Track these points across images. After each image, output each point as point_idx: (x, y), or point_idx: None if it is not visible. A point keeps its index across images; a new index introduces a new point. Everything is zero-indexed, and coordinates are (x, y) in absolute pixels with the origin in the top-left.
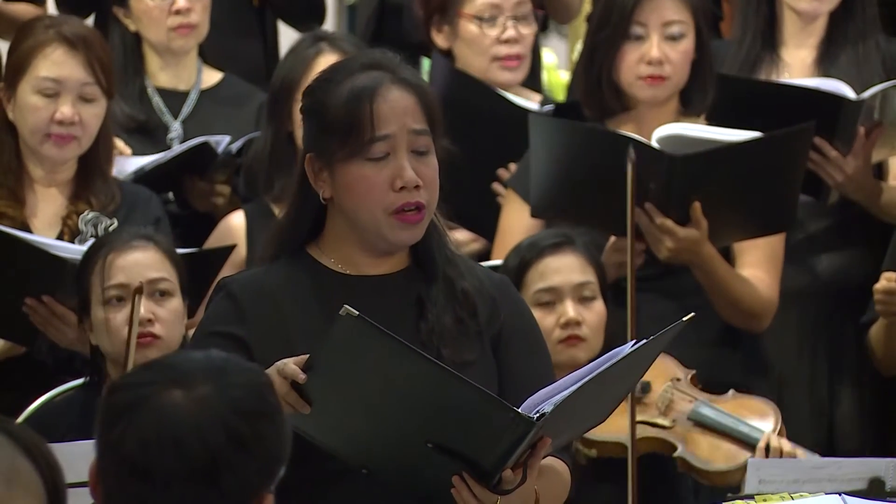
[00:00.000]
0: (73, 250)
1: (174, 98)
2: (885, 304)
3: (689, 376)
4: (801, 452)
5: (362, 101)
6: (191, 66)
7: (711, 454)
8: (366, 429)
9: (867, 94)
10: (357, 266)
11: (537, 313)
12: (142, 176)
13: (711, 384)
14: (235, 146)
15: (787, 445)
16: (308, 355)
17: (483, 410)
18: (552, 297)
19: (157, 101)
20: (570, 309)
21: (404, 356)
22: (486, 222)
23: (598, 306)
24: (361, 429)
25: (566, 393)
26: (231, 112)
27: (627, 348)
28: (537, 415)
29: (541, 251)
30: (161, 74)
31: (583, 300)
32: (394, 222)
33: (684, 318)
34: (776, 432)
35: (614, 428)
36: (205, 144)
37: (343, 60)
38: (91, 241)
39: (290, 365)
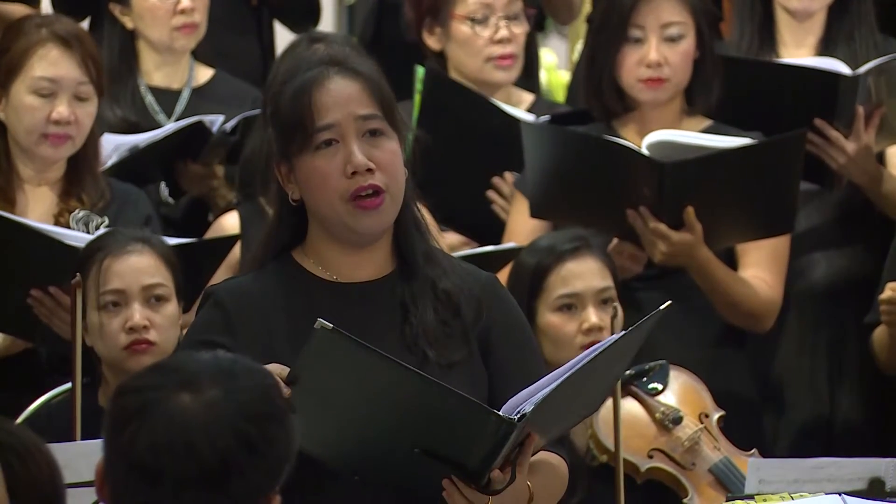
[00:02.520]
0: (82, 238)
1: (167, 97)
2: (891, 314)
3: (718, 417)
4: None
5: (303, 94)
6: (184, 64)
7: None
8: (352, 437)
9: (863, 69)
10: (339, 269)
11: (558, 318)
12: (137, 153)
13: (719, 394)
14: (230, 125)
15: None
16: (289, 369)
17: (463, 414)
18: (574, 303)
19: (149, 100)
20: (592, 315)
21: (380, 365)
22: (479, 228)
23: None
24: (348, 437)
25: (546, 391)
26: (224, 109)
27: (606, 343)
28: (518, 415)
29: (560, 256)
30: (155, 73)
31: (603, 304)
32: (353, 210)
33: (661, 307)
34: None
35: (632, 447)
36: (199, 124)
37: (292, 64)
38: (90, 238)
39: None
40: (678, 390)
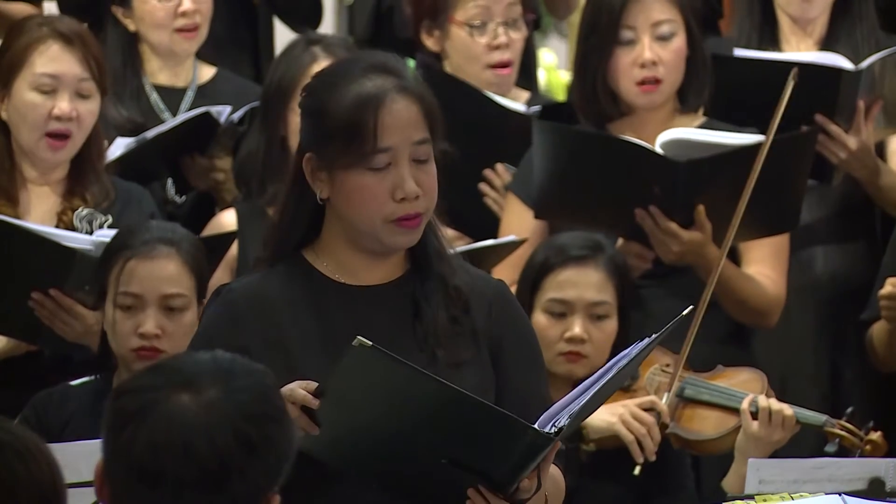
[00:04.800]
0: (82, 240)
1: (172, 95)
2: (890, 309)
3: (675, 359)
4: (788, 410)
5: (367, 110)
6: (188, 63)
7: (701, 425)
8: (378, 448)
9: (865, 64)
10: (352, 272)
11: (545, 320)
12: (144, 144)
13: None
14: (237, 115)
15: (774, 404)
16: (317, 382)
17: (499, 429)
18: (563, 309)
19: (154, 97)
20: (576, 326)
21: (417, 381)
22: (471, 222)
23: (609, 326)
24: (373, 448)
25: (581, 403)
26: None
27: (633, 351)
28: (555, 430)
29: (566, 260)
30: (159, 73)
31: (594, 318)
32: (392, 228)
33: (684, 312)
34: (764, 395)
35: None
36: (206, 115)
37: (345, 60)
38: (114, 232)
39: (299, 391)
40: None
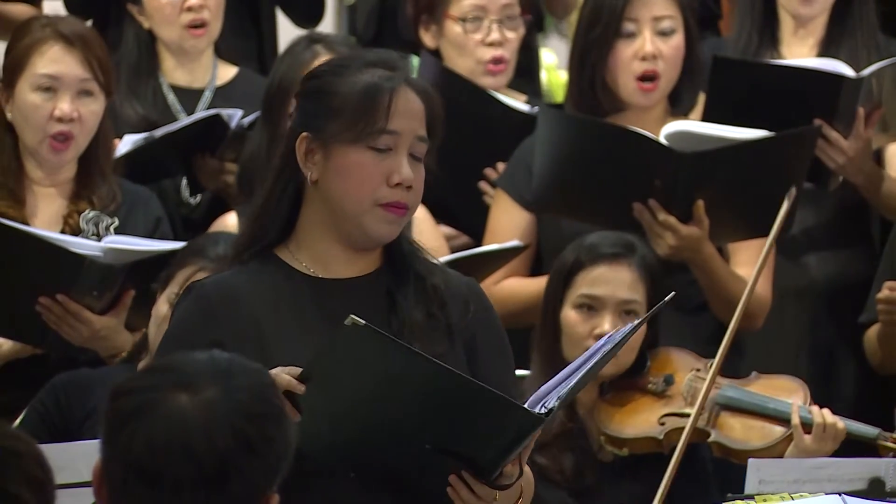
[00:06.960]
0: (91, 246)
1: (189, 96)
2: (889, 313)
3: (709, 365)
4: (840, 423)
5: (382, 91)
6: (206, 63)
7: (746, 434)
8: (358, 434)
9: (866, 71)
10: (326, 265)
11: (575, 316)
12: (153, 142)
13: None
14: (248, 120)
15: (828, 417)
16: (301, 367)
17: (491, 410)
18: (594, 305)
19: (171, 98)
20: (606, 323)
21: (411, 361)
22: (470, 220)
23: None
24: (353, 434)
25: (570, 385)
26: (247, 107)
27: (618, 336)
28: (545, 410)
29: (597, 257)
30: (176, 72)
31: (624, 315)
32: (379, 213)
33: (667, 297)
34: (806, 405)
35: (643, 425)
36: (216, 117)
37: (351, 53)
38: (122, 238)
39: (284, 375)
40: (660, 360)
